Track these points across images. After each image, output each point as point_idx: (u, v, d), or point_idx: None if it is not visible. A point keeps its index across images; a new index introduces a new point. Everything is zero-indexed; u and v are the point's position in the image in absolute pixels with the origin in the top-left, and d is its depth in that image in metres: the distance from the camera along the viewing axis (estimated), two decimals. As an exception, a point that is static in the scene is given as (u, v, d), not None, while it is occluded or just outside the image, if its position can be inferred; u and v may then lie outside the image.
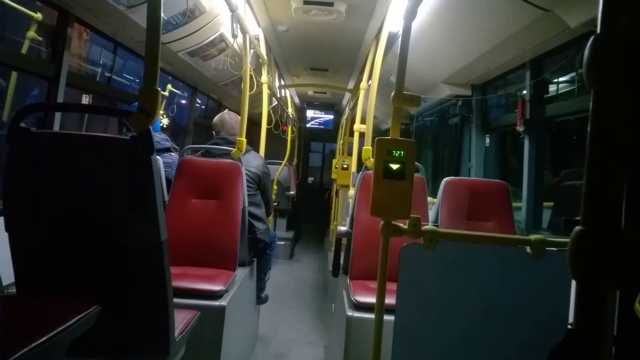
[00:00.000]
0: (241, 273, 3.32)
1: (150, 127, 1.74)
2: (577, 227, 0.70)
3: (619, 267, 0.69)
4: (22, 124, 1.80)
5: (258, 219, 3.66)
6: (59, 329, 1.37)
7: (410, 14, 1.92)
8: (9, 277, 1.98)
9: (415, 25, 1.97)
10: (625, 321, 0.89)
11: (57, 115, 3.32)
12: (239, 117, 3.75)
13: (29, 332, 1.32)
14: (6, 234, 1.85)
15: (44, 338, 1.30)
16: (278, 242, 7.57)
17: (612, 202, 0.71)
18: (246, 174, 3.55)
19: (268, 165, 4.05)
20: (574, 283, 0.75)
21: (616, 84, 0.70)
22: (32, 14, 3.13)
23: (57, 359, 1.48)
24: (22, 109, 1.87)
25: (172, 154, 3.99)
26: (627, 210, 0.77)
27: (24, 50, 3.15)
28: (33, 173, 1.84)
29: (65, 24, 3.27)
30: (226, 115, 3.82)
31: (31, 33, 3.14)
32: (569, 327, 0.72)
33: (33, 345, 1.25)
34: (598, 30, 0.72)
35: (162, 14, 1.72)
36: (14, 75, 3.28)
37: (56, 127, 3.29)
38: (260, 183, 3.75)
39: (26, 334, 1.31)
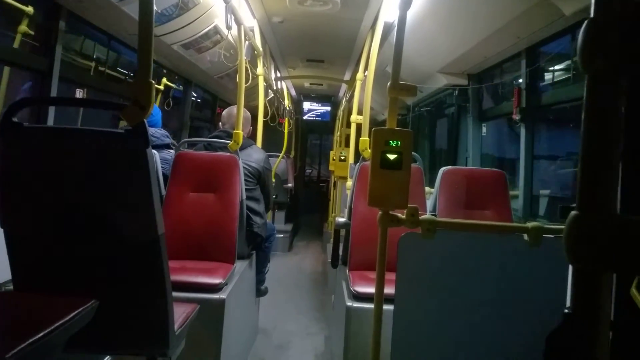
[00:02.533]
0: (240, 266, 3.32)
1: (146, 120, 1.73)
2: (573, 212, 0.70)
3: (615, 251, 0.69)
4: (15, 119, 1.79)
5: (256, 213, 3.65)
6: (57, 324, 1.37)
7: (406, 3, 1.91)
8: (5, 275, 1.97)
9: (410, 14, 1.96)
10: (622, 306, 0.89)
11: (52, 111, 3.31)
12: (248, 113, 3.75)
13: (27, 328, 1.31)
14: (1, 230, 1.85)
15: (42, 333, 1.30)
16: (277, 235, 7.58)
17: (607, 186, 0.71)
18: (246, 168, 3.54)
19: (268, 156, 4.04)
20: (571, 269, 0.75)
21: (610, 68, 0.70)
22: (24, 7, 3.10)
23: (56, 354, 1.48)
24: (14, 104, 1.85)
25: (171, 150, 3.98)
26: (622, 194, 0.77)
27: (15, 45, 3.12)
28: (26, 168, 1.82)
29: (57, 17, 3.25)
30: (234, 109, 3.81)
31: (23, 27, 3.11)
32: (566, 311, 0.73)
33: (31, 340, 1.25)
34: (592, 15, 0.71)
35: (154, 5, 1.71)
36: (6, 70, 3.25)
37: (50, 122, 3.28)
38: (260, 178, 3.73)
39: (24, 329, 1.31)
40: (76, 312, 1.47)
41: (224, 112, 3.85)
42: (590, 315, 0.72)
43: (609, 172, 0.71)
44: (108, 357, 2.20)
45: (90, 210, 1.82)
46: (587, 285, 0.71)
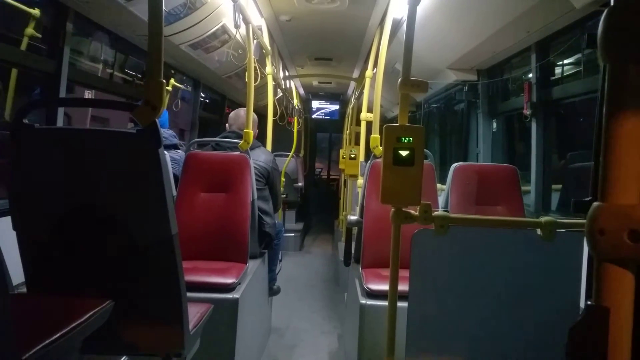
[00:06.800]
0: (253, 265, 3.32)
1: (157, 121, 1.73)
2: (595, 203, 0.69)
3: (637, 241, 0.68)
4: (26, 121, 1.79)
5: (266, 213, 3.66)
6: (73, 324, 1.37)
7: (415, -1, 1.90)
8: (18, 277, 1.97)
9: (419, 10, 1.95)
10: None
11: (60, 112, 3.32)
12: (256, 116, 3.75)
13: (43, 329, 1.31)
14: (14, 233, 1.85)
15: (59, 334, 1.30)
16: (288, 234, 7.59)
17: (628, 176, 0.70)
18: (255, 168, 3.54)
19: (275, 158, 4.05)
20: (584, 263, 0.74)
21: (631, 57, 0.69)
22: (30, 10, 3.11)
23: (72, 356, 1.48)
24: (25, 105, 1.84)
25: (179, 150, 3.99)
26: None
27: (22, 47, 3.12)
28: (38, 170, 1.82)
29: (64, 19, 3.26)
30: (242, 111, 3.82)
31: (29, 30, 3.11)
32: (589, 303, 0.72)
33: (48, 341, 1.25)
34: (611, 3, 0.70)
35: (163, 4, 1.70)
36: (13, 72, 3.25)
37: (59, 123, 3.29)
38: (269, 178, 3.75)
39: (40, 330, 1.31)
40: (92, 312, 1.47)
41: (232, 114, 3.86)
42: (614, 307, 0.70)
43: (631, 163, 0.70)
44: (124, 357, 2.20)
45: (103, 211, 1.82)
46: (610, 278, 0.70)
